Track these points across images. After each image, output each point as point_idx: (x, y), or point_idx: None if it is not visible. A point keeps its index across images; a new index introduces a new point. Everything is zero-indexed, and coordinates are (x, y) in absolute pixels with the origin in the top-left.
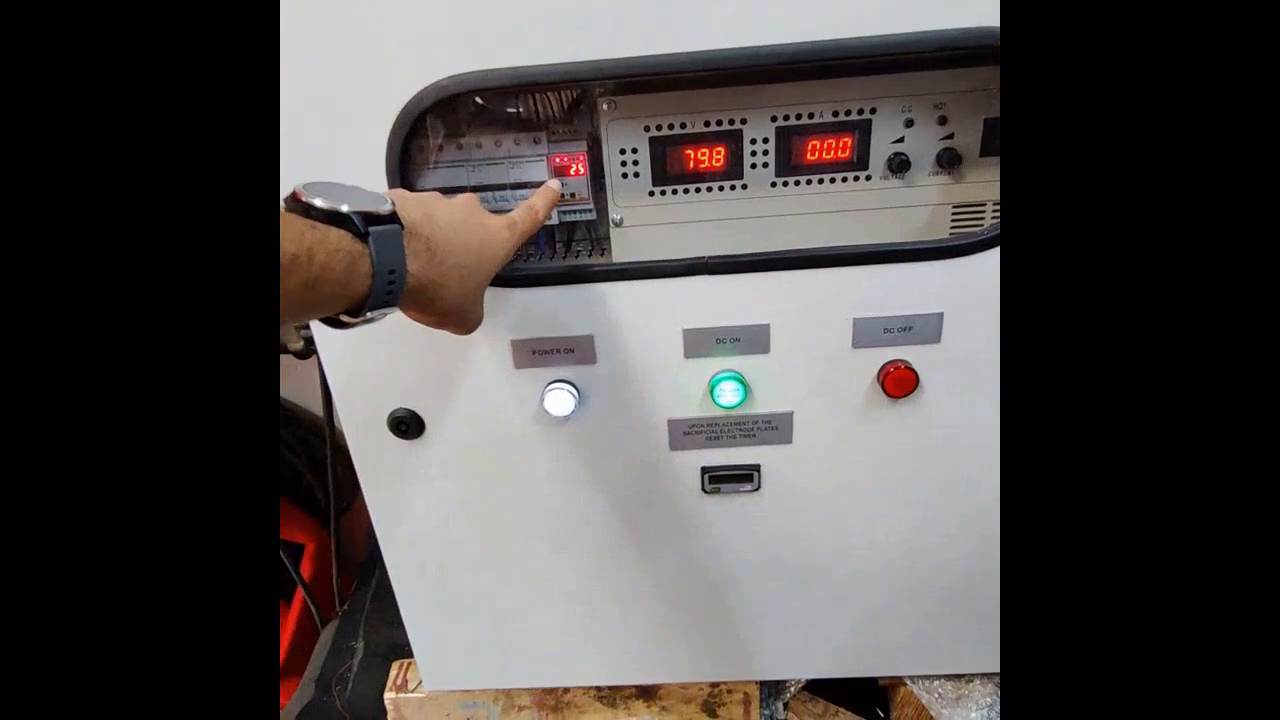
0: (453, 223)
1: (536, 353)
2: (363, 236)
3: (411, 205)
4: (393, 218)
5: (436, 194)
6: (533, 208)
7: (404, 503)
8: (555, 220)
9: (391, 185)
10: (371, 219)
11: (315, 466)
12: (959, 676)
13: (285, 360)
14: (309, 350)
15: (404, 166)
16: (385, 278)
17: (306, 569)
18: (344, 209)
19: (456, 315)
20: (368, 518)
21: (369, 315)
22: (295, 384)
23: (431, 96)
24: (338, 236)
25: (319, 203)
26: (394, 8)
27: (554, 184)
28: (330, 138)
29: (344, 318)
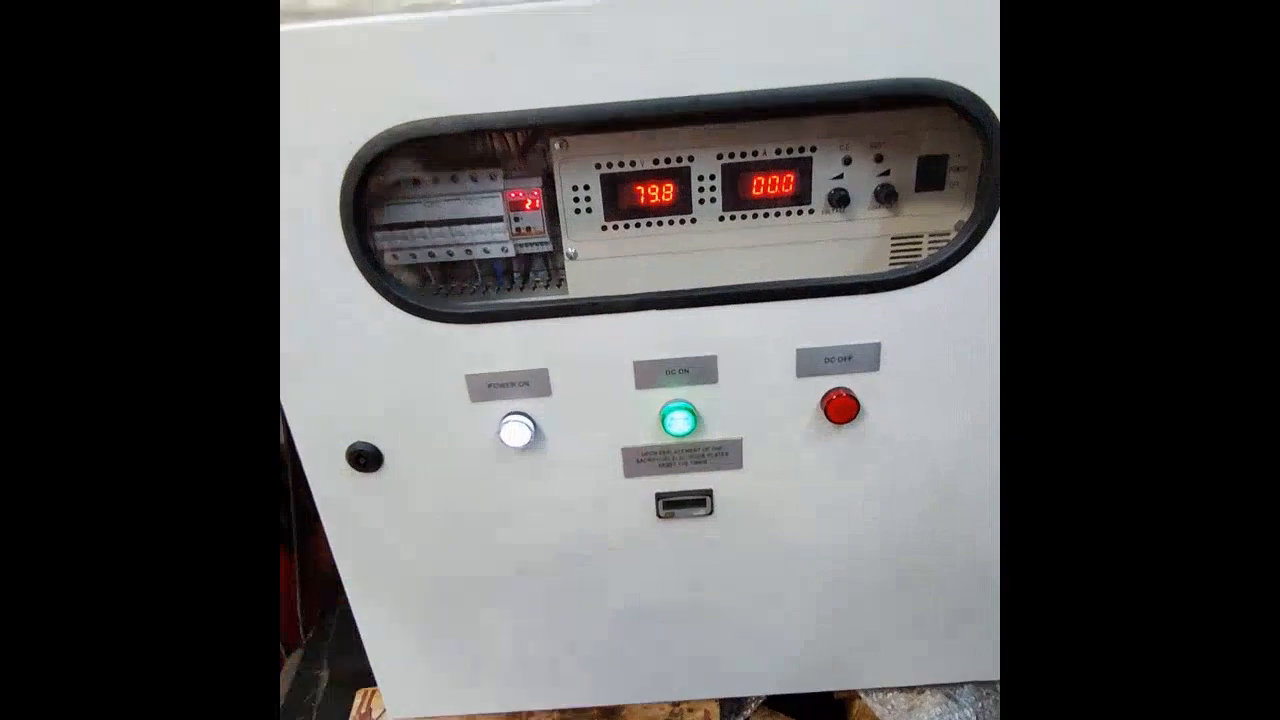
0: None
1: (492, 386)
2: None
3: None
4: None
5: None
6: None
7: (364, 534)
8: (513, 253)
9: (346, 228)
10: None
11: (279, 489)
12: (911, 688)
13: None
14: None
15: (358, 208)
16: None
17: None
18: None
19: None
20: None
21: None
22: None
23: (384, 142)
24: None
25: None
26: (349, 57)
27: None
28: (284, 183)
29: None
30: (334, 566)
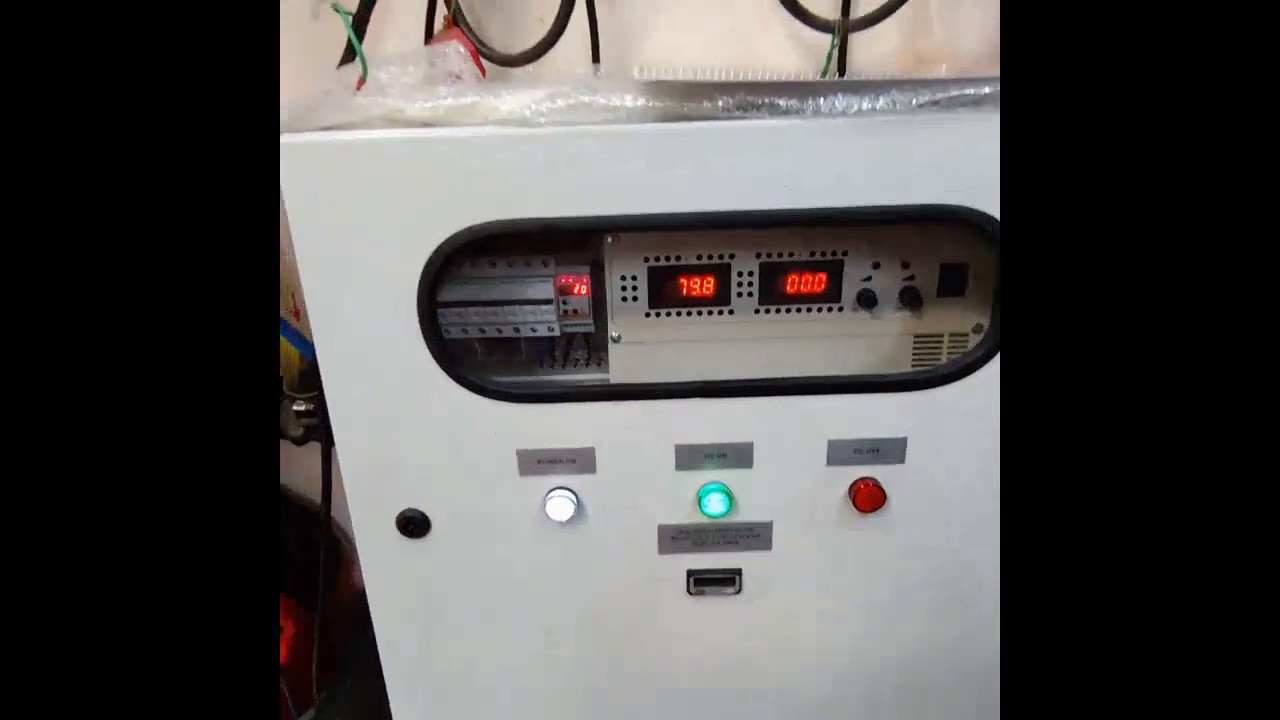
0: None
1: (541, 462)
2: None
3: None
4: None
5: None
6: None
7: (405, 598)
8: (558, 332)
9: (421, 310)
10: None
11: (301, 544)
12: None
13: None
14: (306, 437)
15: (433, 293)
16: None
17: (284, 653)
18: None
19: None
20: (350, 600)
21: None
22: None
23: (464, 238)
24: None
25: None
26: (441, 161)
27: None
28: (366, 267)
29: None
30: (351, 626)
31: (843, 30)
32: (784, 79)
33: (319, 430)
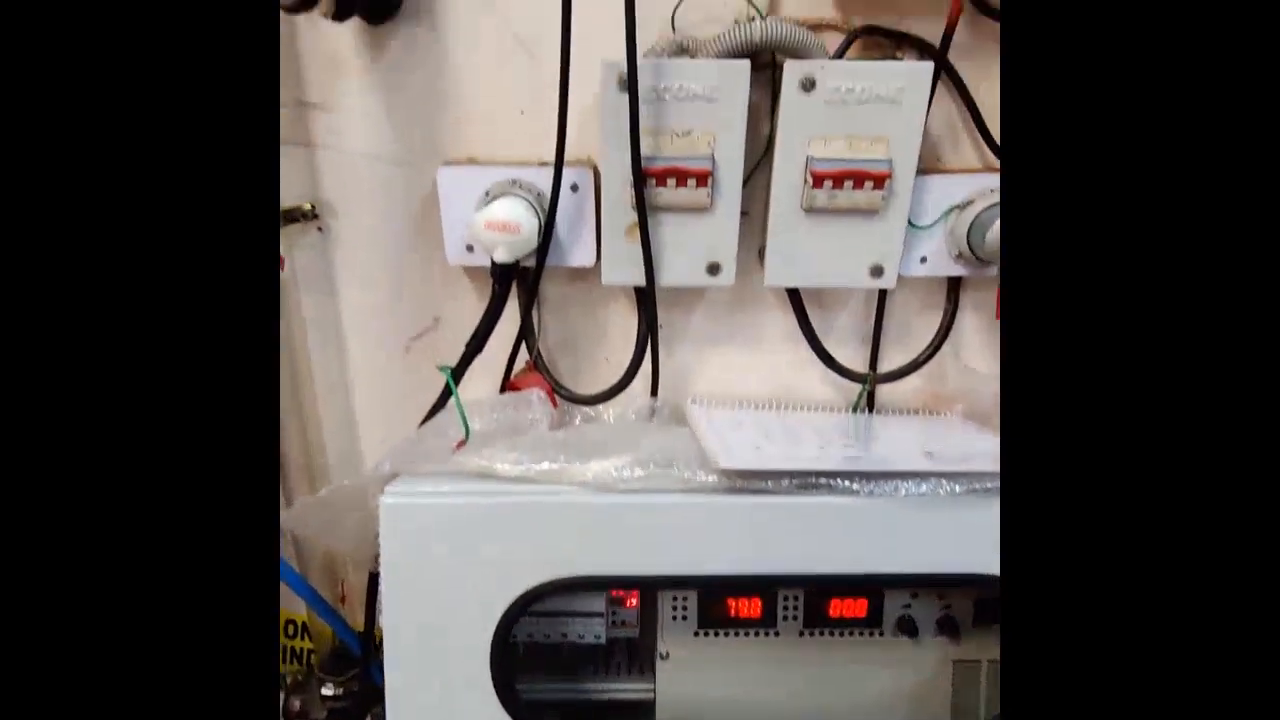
0: None
1: None
2: None
3: None
4: None
5: None
6: None
7: None
8: (604, 640)
9: (494, 657)
10: None
11: None
12: None
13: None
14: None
15: (507, 637)
16: None
17: None
18: None
19: None
20: None
21: None
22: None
23: (548, 590)
24: None
25: None
26: (523, 525)
27: None
28: (445, 607)
29: None
30: None
31: (872, 383)
32: (822, 414)
33: (344, 716)
